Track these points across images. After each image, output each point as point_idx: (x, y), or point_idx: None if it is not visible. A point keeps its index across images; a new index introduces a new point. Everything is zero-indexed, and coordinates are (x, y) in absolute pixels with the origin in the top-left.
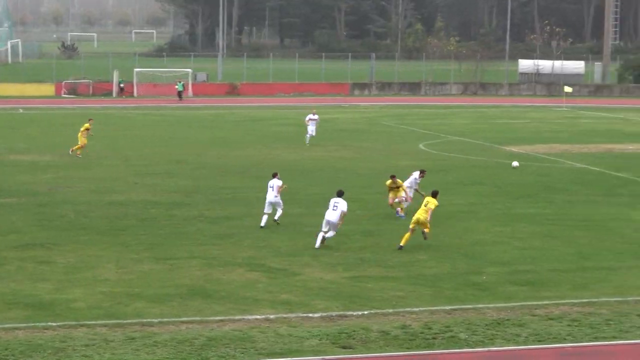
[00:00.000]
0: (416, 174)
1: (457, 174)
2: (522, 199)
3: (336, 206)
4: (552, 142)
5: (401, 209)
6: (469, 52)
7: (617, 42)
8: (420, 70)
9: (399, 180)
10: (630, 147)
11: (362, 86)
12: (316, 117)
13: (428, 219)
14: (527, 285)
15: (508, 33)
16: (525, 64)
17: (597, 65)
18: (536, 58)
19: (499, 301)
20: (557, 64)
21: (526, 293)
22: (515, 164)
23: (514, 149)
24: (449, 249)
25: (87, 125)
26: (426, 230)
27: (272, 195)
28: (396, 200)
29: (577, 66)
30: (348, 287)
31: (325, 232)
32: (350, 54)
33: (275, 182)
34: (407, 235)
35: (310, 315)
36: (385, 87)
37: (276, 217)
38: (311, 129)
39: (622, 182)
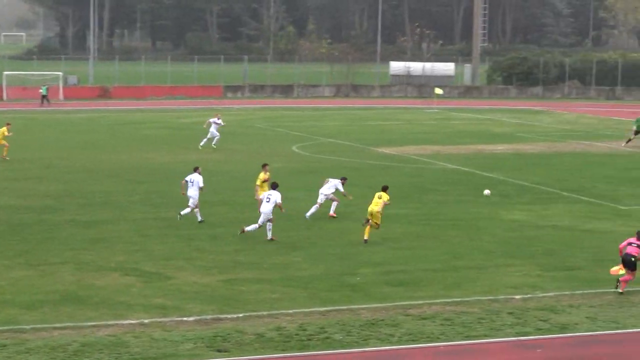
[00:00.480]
0: (336, 181)
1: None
2: (395, 200)
3: (269, 198)
4: (423, 144)
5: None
6: (341, 54)
7: (486, 44)
8: (292, 72)
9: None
10: (500, 148)
11: (235, 89)
12: (220, 121)
13: (380, 210)
14: (400, 285)
15: (379, 35)
16: (397, 66)
17: (467, 67)
18: (407, 60)
19: (373, 302)
20: (428, 65)
21: (400, 293)
22: (487, 192)
23: (387, 150)
24: (323, 251)
25: (4, 129)
26: (377, 222)
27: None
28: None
29: (447, 68)
30: (223, 290)
31: (261, 225)
32: (222, 56)
33: (196, 178)
34: (367, 228)
35: (185, 319)
36: (258, 89)
37: (182, 212)
38: (212, 132)
39: (492, 182)
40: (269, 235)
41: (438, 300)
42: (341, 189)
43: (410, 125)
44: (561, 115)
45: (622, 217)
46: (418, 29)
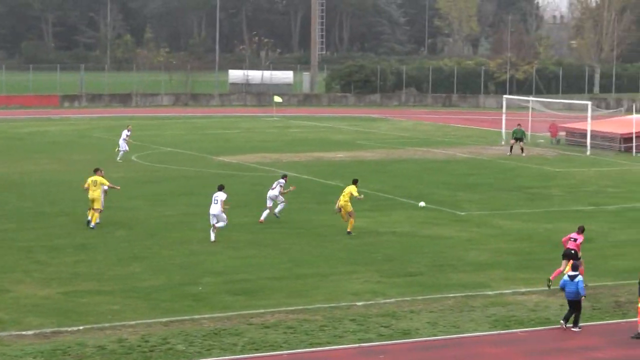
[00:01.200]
0: (281, 181)
1: (169, 185)
2: (236, 208)
3: (216, 199)
4: (263, 152)
5: (93, 219)
6: (179, 62)
7: (324, 52)
8: (130, 81)
9: (101, 178)
10: (339, 155)
11: (72, 98)
12: (129, 132)
13: (348, 202)
14: (242, 294)
15: (217, 44)
16: (235, 74)
17: (306, 75)
18: (246, 68)
19: (215, 311)
20: (267, 74)
21: (242, 302)
22: (421, 204)
23: (227, 159)
24: (164, 261)
25: None
26: (349, 212)
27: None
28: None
29: (286, 76)
30: (63, 303)
31: (216, 224)
32: (59, 65)
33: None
34: (350, 221)
35: (24, 333)
36: (95, 98)
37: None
38: (123, 145)
39: (332, 189)
40: (213, 237)
41: (281, 309)
42: (281, 187)
43: (250, 133)
44: (399, 122)
45: (461, 223)
46: (256, 38)
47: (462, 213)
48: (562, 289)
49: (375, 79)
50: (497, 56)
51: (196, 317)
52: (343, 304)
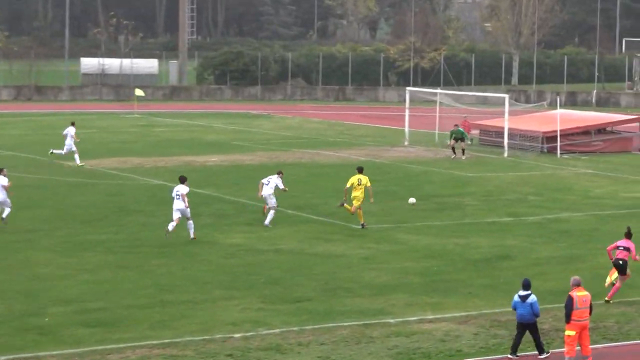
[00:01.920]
0: (273, 178)
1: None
2: (90, 223)
3: (178, 194)
4: (123, 155)
5: None
6: (21, 49)
7: (195, 37)
8: None
9: None
10: (214, 159)
11: None
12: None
13: (362, 195)
14: (98, 326)
15: (67, 27)
16: (89, 63)
17: (173, 64)
18: (101, 56)
19: (65, 347)
20: (127, 62)
21: (98, 335)
22: (412, 200)
23: (79, 164)
24: (3, 287)
25: None
26: (359, 207)
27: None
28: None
29: (149, 65)
30: None
31: (178, 218)
32: None
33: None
34: (359, 213)
35: None
36: None
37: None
38: (69, 144)
39: (205, 199)
40: (192, 234)
41: (144, 343)
42: (281, 185)
43: (107, 133)
44: (283, 119)
45: (357, 238)
46: (114, 20)
47: (358, 226)
48: (514, 309)
49: (255, 68)
50: (399, 41)
51: (42, 354)
52: (218, 336)
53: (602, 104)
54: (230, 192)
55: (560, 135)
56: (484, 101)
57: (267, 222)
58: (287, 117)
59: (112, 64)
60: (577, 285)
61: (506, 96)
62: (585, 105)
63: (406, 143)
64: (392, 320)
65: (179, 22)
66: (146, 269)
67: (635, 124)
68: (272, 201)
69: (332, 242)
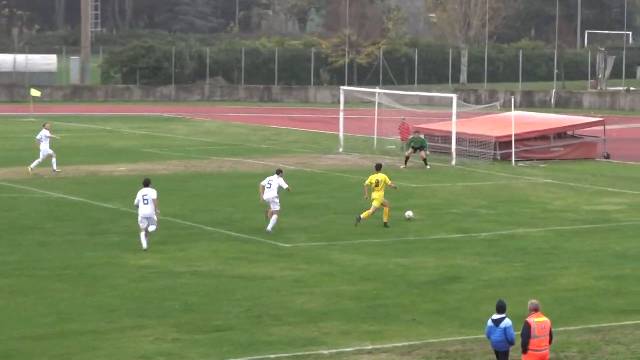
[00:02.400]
0: (275, 179)
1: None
2: None
3: (146, 199)
4: (17, 165)
5: None
6: None
7: (99, 29)
8: None
9: None
10: (121, 169)
11: None
12: (49, 133)
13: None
14: None
15: None
16: None
17: (74, 61)
18: None
19: None
20: (21, 58)
21: None
22: (409, 214)
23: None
24: None
25: None
26: (385, 204)
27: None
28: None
29: (47, 62)
30: None
31: (146, 229)
32: None
33: (151, 194)
34: (385, 211)
35: None
36: None
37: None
38: (44, 149)
39: (112, 215)
40: (145, 245)
41: None
42: (284, 185)
43: None
44: (201, 123)
45: (286, 258)
46: (6, 10)
47: (288, 245)
48: (488, 337)
49: (169, 65)
50: (332, 35)
51: None
52: None
53: (563, 104)
54: None
55: (516, 141)
56: (429, 102)
57: (269, 228)
58: (206, 121)
59: (5, 60)
60: (536, 310)
61: (454, 96)
62: (544, 106)
63: (341, 150)
64: (325, 352)
65: (82, 13)
66: (44, 294)
67: (600, 128)
68: (277, 205)
69: (257, 263)
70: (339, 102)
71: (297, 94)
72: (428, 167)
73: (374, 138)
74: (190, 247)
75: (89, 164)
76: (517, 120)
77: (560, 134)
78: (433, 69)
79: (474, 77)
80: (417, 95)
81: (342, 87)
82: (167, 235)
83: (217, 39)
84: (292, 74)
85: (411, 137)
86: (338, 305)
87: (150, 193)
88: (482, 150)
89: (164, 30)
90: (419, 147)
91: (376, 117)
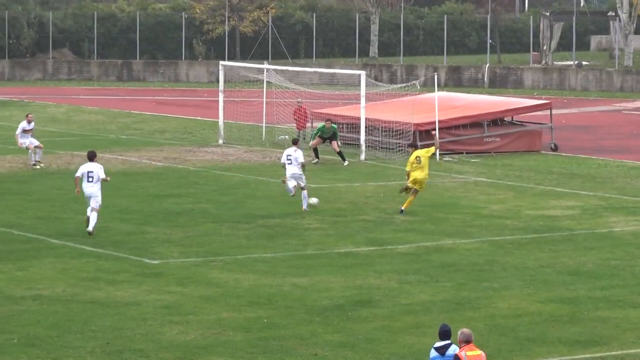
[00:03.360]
0: (293, 149)
1: None
2: None
3: (92, 175)
4: None
5: None
6: None
7: None
8: None
9: None
10: None
11: None
12: (31, 125)
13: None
14: None
15: None
16: None
17: None
18: None
19: None
20: None
21: None
22: (313, 200)
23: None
24: None
25: None
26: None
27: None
28: None
29: None
30: None
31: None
32: None
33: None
34: (410, 199)
35: None
36: None
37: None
38: (29, 141)
39: None
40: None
41: None
42: (301, 157)
43: None
44: (44, 108)
45: (153, 278)
46: None
47: (155, 262)
48: None
49: (0, 34)
50: None
51: None
52: None
53: (499, 83)
54: None
55: (440, 129)
56: (331, 81)
57: (306, 206)
58: (49, 105)
59: None
60: (467, 341)
61: (362, 73)
62: (475, 85)
63: (221, 141)
64: None
65: None
66: None
67: (546, 112)
68: (303, 179)
69: (118, 284)
70: (217, 81)
71: (165, 70)
72: (346, 162)
73: (262, 126)
74: (32, 264)
75: None
76: (441, 104)
77: (496, 121)
78: (335, 39)
79: (387, 49)
80: (316, 72)
81: (222, 62)
82: (2, 250)
83: (62, 1)
84: (157, 46)
85: (320, 125)
86: (220, 337)
87: (97, 169)
88: (397, 142)
89: None
90: (328, 137)
91: (264, 100)
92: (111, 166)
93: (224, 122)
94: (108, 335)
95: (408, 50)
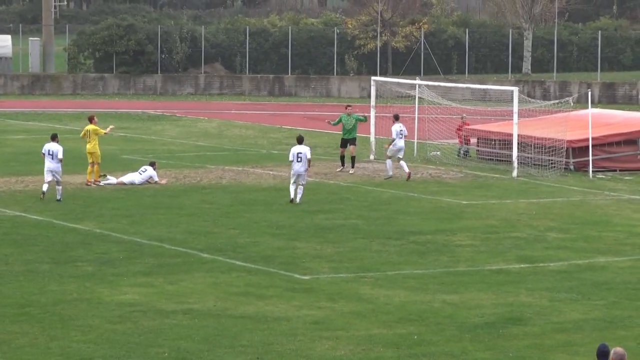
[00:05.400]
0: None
1: None
2: None
3: (51, 151)
4: None
5: None
6: None
7: (65, 3)
8: None
9: None
10: (103, 182)
11: None
12: None
13: None
14: None
15: None
16: None
17: (34, 43)
18: None
19: None
20: None
21: None
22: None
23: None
24: None
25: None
26: None
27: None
28: None
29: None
30: None
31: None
32: None
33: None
34: None
35: None
36: None
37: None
38: None
39: (83, 238)
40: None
41: None
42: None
43: None
44: (195, 123)
45: (303, 294)
46: None
47: (305, 277)
48: None
49: (153, 49)
50: (360, 12)
51: None
52: None
53: None
54: (120, 227)
55: (594, 146)
56: (483, 97)
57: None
58: (201, 120)
59: None
60: None
61: (515, 89)
62: (629, 102)
63: (372, 157)
64: None
65: None
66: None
67: None
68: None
69: (268, 299)
70: (369, 97)
71: (316, 85)
72: (351, 171)
73: (413, 142)
74: (183, 278)
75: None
76: (594, 120)
77: None
78: (488, 55)
79: (540, 65)
80: (468, 88)
81: (373, 78)
82: (154, 264)
83: (215, 15)
84: (309, 61)
85: (342, 116)
86: (370, 353)
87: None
88: (550, 158)
89: (147, 4)
90: (349, 139)
91: (416, 116)
92: (262, 181)
93: (375, 137)
94: (258, 350)
95: (561, 66)
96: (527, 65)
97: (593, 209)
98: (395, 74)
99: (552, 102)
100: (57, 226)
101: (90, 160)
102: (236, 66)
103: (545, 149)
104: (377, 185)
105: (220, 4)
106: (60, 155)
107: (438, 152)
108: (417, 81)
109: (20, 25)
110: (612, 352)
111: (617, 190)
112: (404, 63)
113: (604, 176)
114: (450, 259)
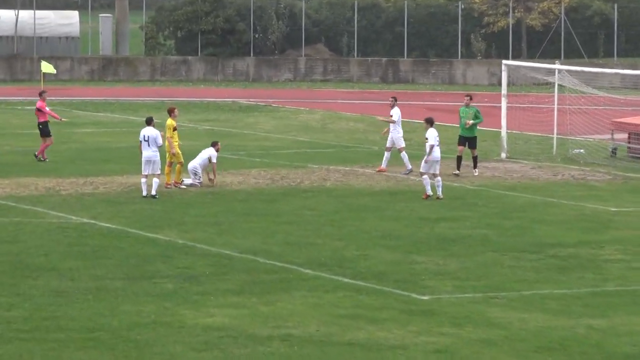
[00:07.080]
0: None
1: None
2: None
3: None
4: (21, 174)
5: None
6: None
7: None
8: None
9: None
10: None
11: None
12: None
13: None
14: None
15: None
16: None
17: (105, 20)
18: None
19: None
20: (25, 16)
21: None
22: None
23: None
24: None
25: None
26: None
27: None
28: None
29: (65, 21)
30: None
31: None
32: None
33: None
34: None
35: None
36: None
37: None
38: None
39: (162, 250)
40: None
41: None
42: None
43: None
44: (295, 114)
45: (421, 317)
46: None
47: (425, 297)
48: None
49: (245, 28)
50: None
51: None
52: None
53: None
54: (206, 237)
55: None
56: (636, 84)
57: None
58: (301, 111)
59: (3, 18)
60: None
61: None
62: None
63: (504, 155)
64: None
65: None
66: None
67: None
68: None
69: (381, 323)
70: (499, 84)
71: (437, 70)
72: (476, 172)
73: (552, 137)
74: (280, 298)
75: (128, 173)
76: None
77: None
78: None
79: None
80: (618, 74)
81: (505, 62)
82: (246, 281)
83: None
84: (428, 42)
85: (462, 108)
86: None
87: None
88: None
89: None
90: (468, 138)
91: (556, 107)
92: (374, 183)
93: (507, 132)
94: None
95: None
96: None
97: None
98: (531, 57)
99: None
100: (131, 236)
101: (168, 160)
102: (342, 48)
103: None
104: (509, 188)
105: None
106: (159, 141)
107: (582, 150)
108: (557, 66)
109: (90, 2)
110: None
111: None
112: (541, 44)
113: None
114: (597, 276)
